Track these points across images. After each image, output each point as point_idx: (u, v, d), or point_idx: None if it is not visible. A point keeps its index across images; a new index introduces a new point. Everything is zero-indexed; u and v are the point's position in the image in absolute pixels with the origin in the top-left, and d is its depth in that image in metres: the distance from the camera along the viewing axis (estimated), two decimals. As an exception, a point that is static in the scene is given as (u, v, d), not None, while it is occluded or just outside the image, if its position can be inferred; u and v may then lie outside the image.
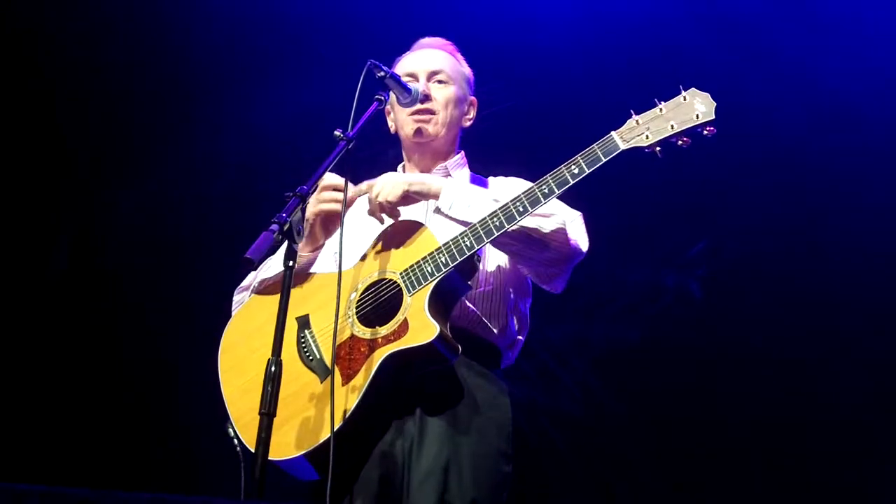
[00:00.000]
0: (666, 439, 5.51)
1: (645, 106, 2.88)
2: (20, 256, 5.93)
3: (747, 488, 5.31)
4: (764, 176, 5.45)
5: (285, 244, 2.65)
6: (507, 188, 3.17)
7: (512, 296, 3.13)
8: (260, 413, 2.49)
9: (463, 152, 3.36)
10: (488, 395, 2.99)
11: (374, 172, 3.13)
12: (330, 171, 2.83)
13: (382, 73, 2.98)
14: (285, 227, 2.58)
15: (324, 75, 5.39)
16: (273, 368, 2.52)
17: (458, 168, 3.30)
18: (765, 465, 5.30)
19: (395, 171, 3.36)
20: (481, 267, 3.06)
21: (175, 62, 5.83)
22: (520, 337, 3.19)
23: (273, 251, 2.91)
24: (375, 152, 4.08)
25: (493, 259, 3.11)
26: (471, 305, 3.04)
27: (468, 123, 3.37)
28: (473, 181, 3.27)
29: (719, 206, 5.59)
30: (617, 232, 5.36)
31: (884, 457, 5.15)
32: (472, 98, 3.39)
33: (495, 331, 3.07)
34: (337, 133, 2.83)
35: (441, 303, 2.88)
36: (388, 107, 3.29)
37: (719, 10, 5.41)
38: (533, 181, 2.93)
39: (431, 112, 3.22)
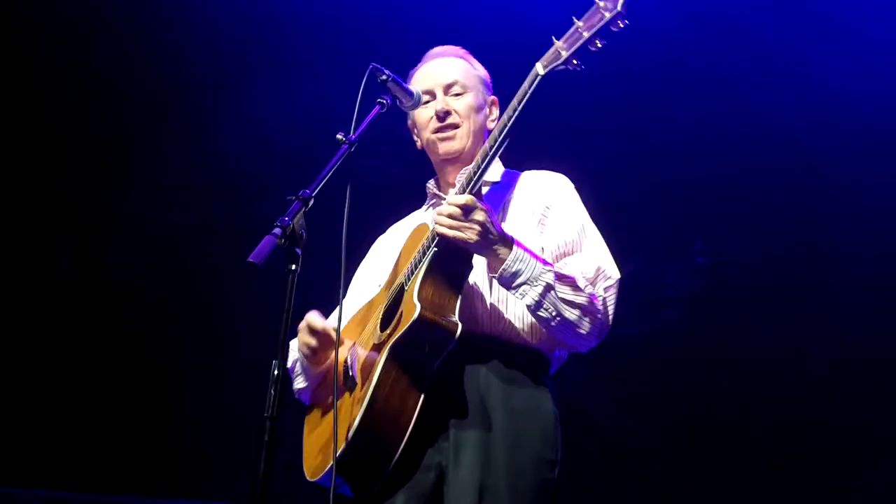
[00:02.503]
0: (663, 438, 5.52)
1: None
2: (23, 258, 5.94)
3: (747, 488, 5.32)
4: (764, 174, 5.46)
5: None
6: (537, 186, 3.16)
7: None
8: (263, 416, 2.50)
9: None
10: (529, 402, 2.92)
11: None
12: (332, 173, 2.81)
13: (384, 77, 2.96)
14: (288, 231, 2.58)
15: (326, 77, 5.37)
16: (276, 371, 2.52)
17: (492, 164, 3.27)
18: (765, 465, 5.31)
19: (427, 182, 3.33)
20: None
21: (175, 62, 5.83)
22: None
23: (275, 254, 2.90)
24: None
25: None
26: (502, 311, 2.98)
27: (493, 125, 3.25)
28: (506, 176, 3.22)
29: (719, 204, 5.60)
30: (616, 230, 5.33)
31: (884, 457, 5.16)
32: (493, 98, 3.32)
33: (534, 337, 3.00)
34: (339, 136, 2.82)
35: (434, 285, 2.85)
36: (409, 122, 3.28)
37: (719, 10, 5.41)
38: (562, 170, 3.12)
39: (455, 126, 3.17)
